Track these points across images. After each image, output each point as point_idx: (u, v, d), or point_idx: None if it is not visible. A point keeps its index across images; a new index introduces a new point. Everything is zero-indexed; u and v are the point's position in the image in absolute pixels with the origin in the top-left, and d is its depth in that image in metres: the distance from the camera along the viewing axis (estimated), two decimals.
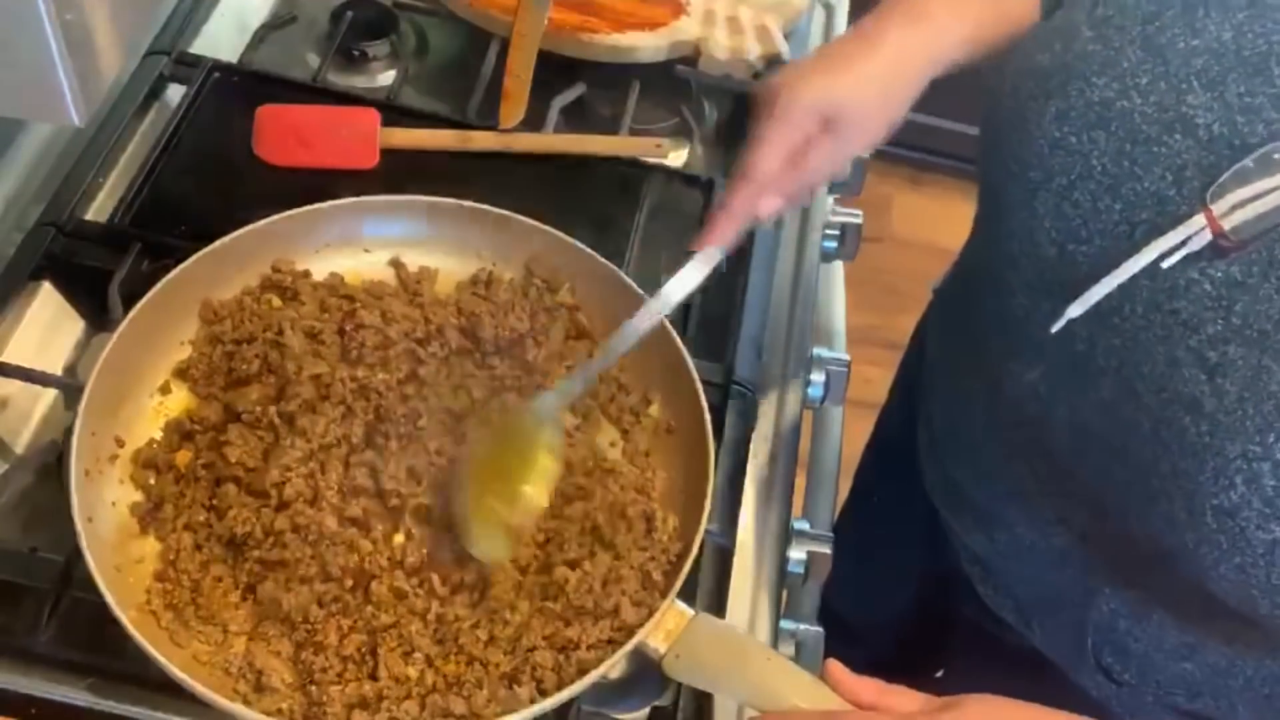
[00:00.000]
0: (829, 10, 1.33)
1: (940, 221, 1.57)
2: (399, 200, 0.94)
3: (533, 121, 1.09)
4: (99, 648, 0.77)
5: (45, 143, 1.05)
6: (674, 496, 0.85)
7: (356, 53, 1.16)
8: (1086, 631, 0.86)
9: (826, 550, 0.93)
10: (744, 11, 1.20)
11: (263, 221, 0.89)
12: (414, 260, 0.94)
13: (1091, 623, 0.86)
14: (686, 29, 1.17)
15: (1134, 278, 0.69)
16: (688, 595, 0.80)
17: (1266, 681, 0.81)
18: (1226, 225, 0.66)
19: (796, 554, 0.93)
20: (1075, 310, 0.72)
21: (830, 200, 1.18)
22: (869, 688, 0.70)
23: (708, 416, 0.84)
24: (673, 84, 1.18)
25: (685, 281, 0.81)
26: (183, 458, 0.82)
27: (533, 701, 0.73)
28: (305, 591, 0.76)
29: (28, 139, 1.04)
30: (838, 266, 1.21)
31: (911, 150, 2.47)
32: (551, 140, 1.09)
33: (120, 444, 0.82)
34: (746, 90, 1.18)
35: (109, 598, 0.71)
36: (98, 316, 0.94)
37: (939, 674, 1.31)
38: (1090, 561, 0.84)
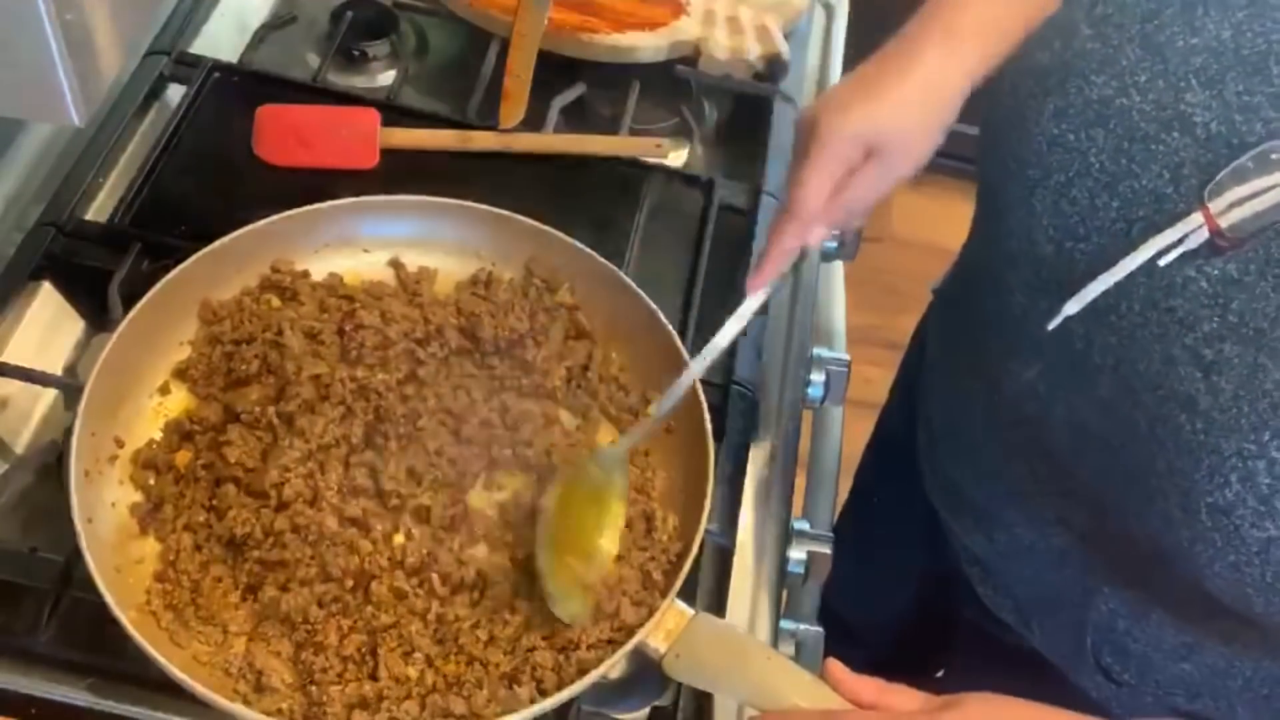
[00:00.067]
0: (829, 10, 1.34)
1: (940, 221, 1.57)
2: (398, 200, 0.94)
3: (533, 121, 1.08)
4: (99, 648, 0.77)
5: (45, 143, 1.05)
6: (674, 496, 0.85)
7: (356, 53, 1.16)
8: (1086, 631, 0.86)
9: (826, 550, 0.93)
10: (744, 11, 1.20)
11: (262, 222, 0.89)
12: (413, 260, 0.94)
13: (1091, 623, 0.86)
14: (686, 29, 1.17)
15: (1131, 275, 0.69)
16: (688, 595, 0.80)
17: (1265, 682, 0.81)
18: (1224, 223, 0.66)
19: (796, 554, 0.93)
20: (1072, 307, 0.72)
21: None
22: (869, 687, 0.70)
23: (707, 416, 0.84)
24: (673, 84, 1.18)
25: (740, 318, 0.80)
26: (182, 458, 0.83)
27: (533, 701, 0.73)
28: (305, 592, 0.76)
29: (28, 139, 1.04)
30: (838, 266, 1.21)
31: None
32: (551, 140, 1.09)
33: (120, 444, 0.82)
34: (746, 90, 1.18)
35: (109, 598, 0.71)
36: (98, 316, 0.95)
37: (939, 674, 1.32)
38: (1089, 561, 0.84)
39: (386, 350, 0.86)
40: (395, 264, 0.94)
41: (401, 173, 1.03)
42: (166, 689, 0.73)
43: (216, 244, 0.87)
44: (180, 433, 0.83)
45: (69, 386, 0.89)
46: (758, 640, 0.86)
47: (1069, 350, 0.74)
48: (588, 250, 0.93)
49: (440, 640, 0.77)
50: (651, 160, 1.10)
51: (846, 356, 1.06)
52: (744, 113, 1.20)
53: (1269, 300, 0.65)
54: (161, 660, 0.70)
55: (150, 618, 0.75)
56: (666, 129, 1.18)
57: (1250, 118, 0.67)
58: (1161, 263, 0.68)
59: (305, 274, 0.91)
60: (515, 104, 1.06)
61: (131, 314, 0.83)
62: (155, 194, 0.99)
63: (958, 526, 0.97)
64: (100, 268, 0.93)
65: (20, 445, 0.89)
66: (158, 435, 0.83)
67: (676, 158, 1.15)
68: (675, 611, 0.77)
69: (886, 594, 1.32)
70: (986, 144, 0.81)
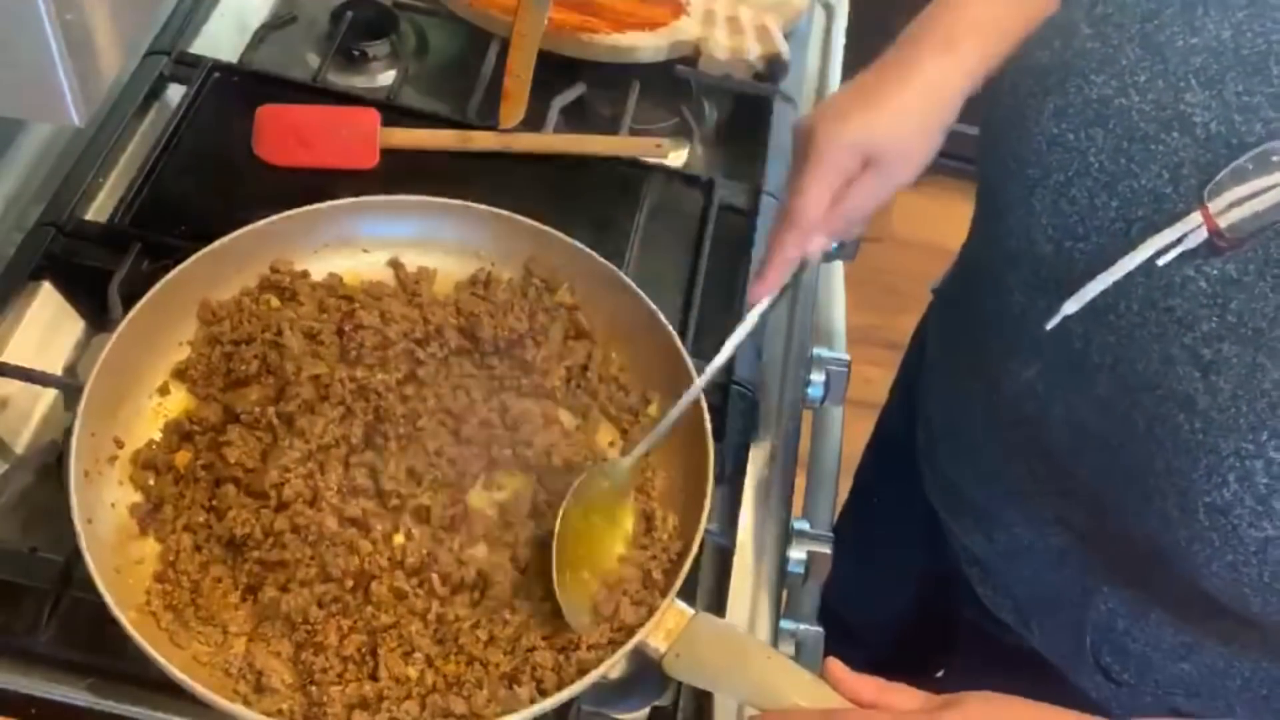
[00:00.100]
0: (829, 10, 1.34)
1: (940, 221, 1.57)
2: (398, 200, 0.94)
3: (533, 121, 1.08)
4: (99, 648, 0.77)
5: (45, 143, 1.05)
6: (674, 496, 0.85)
7: (356, 53, 1.16)
8: (1085, 631, 0.86)
9: (826, 550, 0.93)
10: (744, 11, 1.20)
11: (261, 222, 0.89)
12: (413, 260, 0.94)
13: (1090, 622, 0.86)
14: (686, 29, 1.17)
15: (1130, 275, 0.69)
16: (688, 595, 0.80)
17: (1264, 683, 0.81)
18: (1223, 223, 0.66)
19: (796, 554, 0.93)
20: (1070, 307, 0.72)
21: None
22: (869, 686, 0.70)
23: (707, 416, 0.84)
24: (673, 84, 1.18)
25: (745, 327, 0.81)
26: (182, 459, 0.83)
27: (533, 701, 0.73)
28: (305, 592, 0.76)
29: (28, 139, 1.04)
30: (838, 266, 1.21)
31: None
32: (551, 140, 1.09)
33: (119, 445, 0.82)
34: (746, 90, 1.18)
35: (109, 599, 0.71)
36: (98, 316, 0.95)
37: (939, 674, 1.32)
38: (1088, 561, 0.84)
39: (386, 350, 0.86)
40: (395, 264, 0.94)
41: (401, 173, 1.03)
42: (166, 689, 0.73)
43: (216, 244, 0.87)
44: (180, 433, 0.83)
45: (69, 386, 0.89)
46: (758, 640, 0.86)
47: (1068, 350, 0.74)
48: (587, 250, 0.93)
49: (440, 640, 0.77)
50: (651, 160, 1.10)
51: (846, 356, 1.06)
52: (744, 113, 1.20)
53: (1268, 300, 0.65)
54: (161, 660, 0.70)
55: (150, 618, 0.75)
56: (666, 129, 1.18)
57: (1250, 118, 0.67)
58: (1160, 262, 0.68)
59: (305, 274, 0.91)
60: (515, 104, 1.06)
61: (131, 314, 0.83)
62: (155, 194, 0.99)
63: (957, 527, 0.97)
64: (100, 268, 0.93)
65: (20, 445, 0.90)
66: (157, 436, 0.83)
67: (676, 158, 1.15)
68: (675, 611, 0.77)
69: (886, 594, 1.32)
70: (986, 144, 0.81)
